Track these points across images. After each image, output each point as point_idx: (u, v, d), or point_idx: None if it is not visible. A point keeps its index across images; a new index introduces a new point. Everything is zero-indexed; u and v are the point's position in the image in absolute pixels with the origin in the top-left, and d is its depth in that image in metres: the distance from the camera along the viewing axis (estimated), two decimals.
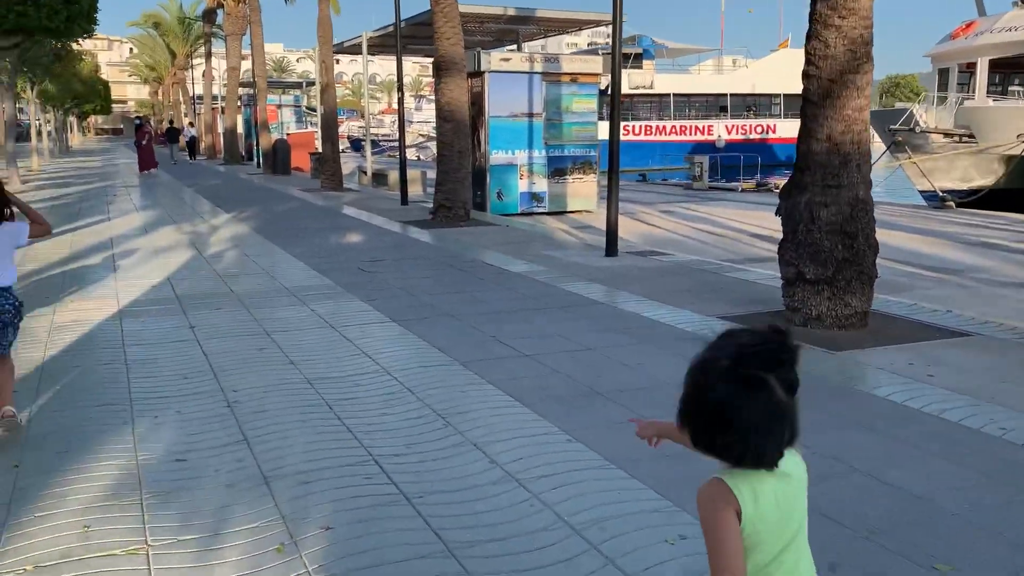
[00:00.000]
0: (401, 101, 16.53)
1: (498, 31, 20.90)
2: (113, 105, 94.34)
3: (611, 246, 9.77)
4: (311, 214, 15.21)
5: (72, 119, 67.88)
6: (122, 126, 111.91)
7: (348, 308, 7.01)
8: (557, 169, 15.71)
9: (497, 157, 15.24)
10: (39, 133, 38.01)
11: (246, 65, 39.33)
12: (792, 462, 1.54)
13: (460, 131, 13.33)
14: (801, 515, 1.57)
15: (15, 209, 4.22)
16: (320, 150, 27.76)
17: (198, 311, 6.92)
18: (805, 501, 1.58)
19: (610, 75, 10.35)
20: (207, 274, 8.70)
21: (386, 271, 8.92)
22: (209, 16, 41.60)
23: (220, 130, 45.06)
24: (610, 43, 10.43)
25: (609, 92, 10.22)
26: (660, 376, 5.05)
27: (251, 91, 39.72)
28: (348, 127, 60.82)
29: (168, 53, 59.66)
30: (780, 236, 6.44)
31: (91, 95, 51.98)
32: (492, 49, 18.27)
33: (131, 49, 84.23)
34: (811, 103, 6.11)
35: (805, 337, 5.97)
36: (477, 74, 14.84)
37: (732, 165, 30.01)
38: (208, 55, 42.92)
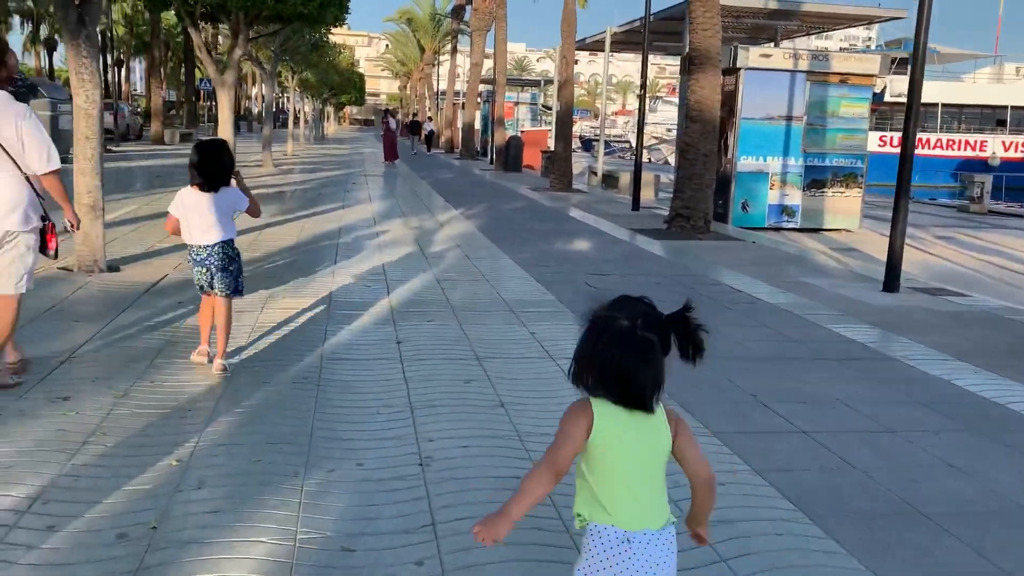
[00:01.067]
0: (643, 99, 15.36)
1: (752, 27, 19.13)
2: (367, 97, 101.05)
3: (892, 279, 8.02)
4: (538, 215, 14.45)
5: (329, 108, 73.10)
6: (373, 117, 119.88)
7: (571, 334, 5.96)
8: (815, 180, 13.88)
9: (746, 163, 13.70)
10: (296, 120, 40.78)
11: (488, 64, 39.97)
12: (659, 419, 1.84)
13: (708, 133, 11.93)
14: (650, 463, 1.84)
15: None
16: (552, 148, 27.30)
17: (409, 321, 6.18)
18: (659, 456, 1.86)
19: (908, 78, 8.58)
20: (425, 277, 8.04)
21: (615, 288, 7.82)
22: (458, 12, 42.72)
23: (459, 124, 46.32)
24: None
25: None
26: (1010, 490, 3.53)
27: (491, 87, 40.28)
28: (580, 127, 60.51)
29: (418, 49, 62.48)
30: None
31: (347, 86, 55.47)
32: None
33: (387, 45, 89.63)
34: None
35: None
36: (730, 71, 13.37)
37: (1015, 187, 26.06)
38: (454, 51, 44.12)
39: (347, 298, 6.90)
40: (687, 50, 11.98)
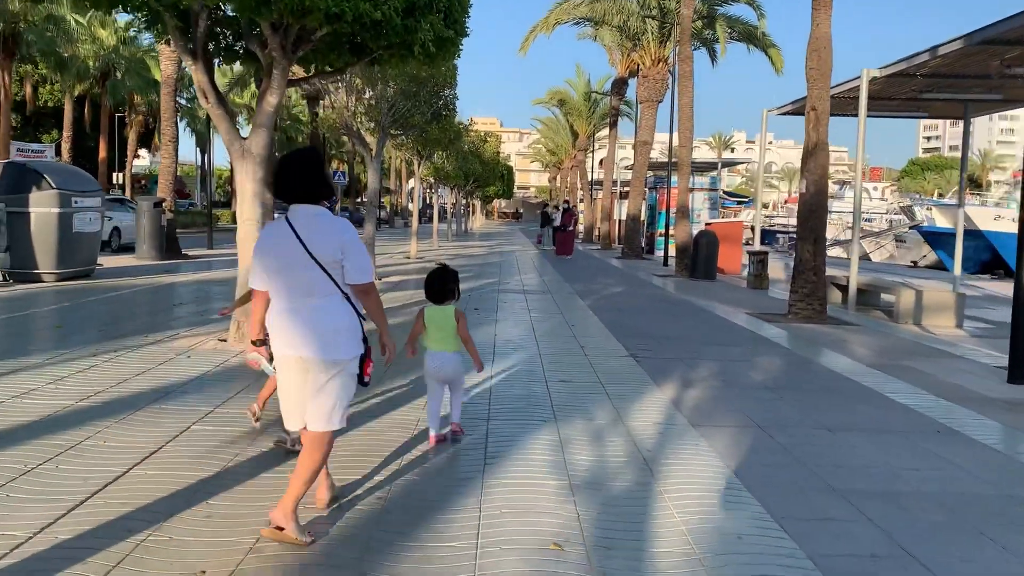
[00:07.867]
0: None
1: None
2: (516, 190, 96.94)
3: None
4: (842, 414, 6.94)
5: (475, 201, 68.59)
6: (522, 210, 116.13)
7: None
8: None
9: None
10: (420, 216, 35.21)
11: (658, 146, 33.26)
12: (448, 309, 5.39)
13: None
14: (448, 325, 5.35)
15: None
16: (755, 245, 19.80)
17: None
18: (448, 321, 5.35)
19: None
20: None
21: None
22: (619, 87, 36.40)
23: (617, 216, 39.55)
24: None
25: None
26: None
27: (654, 174, 33.40)
28: (748, 215, 52.43)
29: (570, 134, 56.95)
30: None
31: (492, 178, 50.23)
32: None
33: (539, 137, 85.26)
34: None
35: None
36: None
37: None
38: (612, 125, 37.57)
39: None
40: None
